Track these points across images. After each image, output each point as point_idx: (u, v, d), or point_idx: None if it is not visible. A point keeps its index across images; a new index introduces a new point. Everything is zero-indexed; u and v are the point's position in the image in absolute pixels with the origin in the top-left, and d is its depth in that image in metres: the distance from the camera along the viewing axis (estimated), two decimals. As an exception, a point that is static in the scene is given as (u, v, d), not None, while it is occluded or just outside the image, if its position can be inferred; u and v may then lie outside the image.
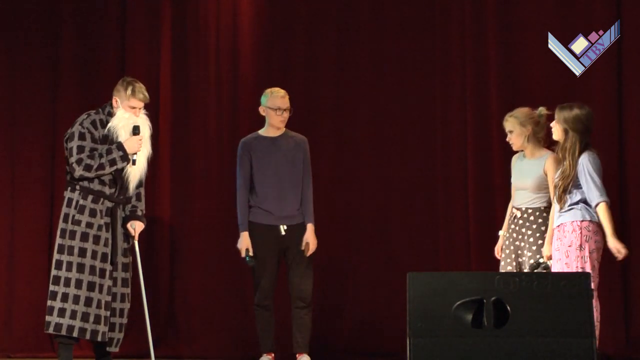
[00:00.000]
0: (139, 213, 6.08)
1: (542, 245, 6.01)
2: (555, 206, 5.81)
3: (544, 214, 6.07)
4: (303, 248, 6.44)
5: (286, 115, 6.50)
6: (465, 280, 4.59)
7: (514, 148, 6.21)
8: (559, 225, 5.78)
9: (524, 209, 6.12)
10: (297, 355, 6.49)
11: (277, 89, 6.54)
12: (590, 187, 5.66)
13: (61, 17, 7.74)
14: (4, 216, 7.64)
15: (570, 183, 5.70)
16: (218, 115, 7.64)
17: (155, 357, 7.37)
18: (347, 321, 7.39)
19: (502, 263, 6.19)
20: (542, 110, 6.16)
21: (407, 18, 7.46)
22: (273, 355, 6.50)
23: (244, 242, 6.43)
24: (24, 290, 7.56)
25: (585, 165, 5.68)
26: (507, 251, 6.16)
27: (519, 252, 6.12)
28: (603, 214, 5.64)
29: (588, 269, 5.59)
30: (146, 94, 6.07)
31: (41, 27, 7.75)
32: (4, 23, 7.75)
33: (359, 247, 7.39)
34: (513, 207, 6.20)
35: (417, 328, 4.44)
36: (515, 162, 6.25)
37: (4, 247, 7.62)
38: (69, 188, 5.96)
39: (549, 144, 6.12)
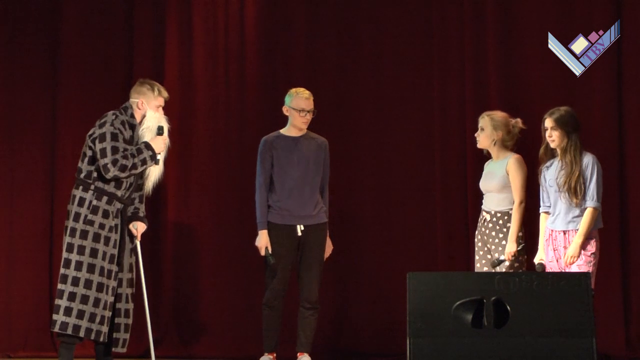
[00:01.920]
0: (141, 214, 6.09)
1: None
2: (562, 206, 5.82)
3: None
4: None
5: (309, 117, 6.49)
6: (465, 280, 4.60)
7: (478, 146, 6.31)
8: (568, 230, 5.80)
9: (493, 212, 6.18)
10: (298, 354, 6.50)
11: (302, 89, 6.53)
12: (592, 188, 5.71)
13: (63, 16, 7.72)
14: (3, 215, 7.63)
15: (577, 180, 5.74)
16: (224, 115, 7.63)
17: (157, 357, 7.38)
18: (347, 321, 7.39)
19: (477, 265, 6.23)
20: (518, 122, 6.23)
21: (407, 18, 7.46)
22: (275, 355, 6.51)
23: (263, 241, 6.43)
24: (24, 289, 7.55)
25: (592, 166, 5.76)
26: (481, 252, 6.22)
27: (491, 254, 6.16)
28: (588, 218, 5.69)
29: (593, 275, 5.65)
30: None
31: (42, 25, 7.74)
32: (3, 21, 7.74)
33: (358, 248, 7.39)
34: (483, 210, 6.25)
35: (417, 328, 4.45)
36: (486, 166, 6.34)
37: (4, 246, 7.61)
38: (81, 187, 5.93)
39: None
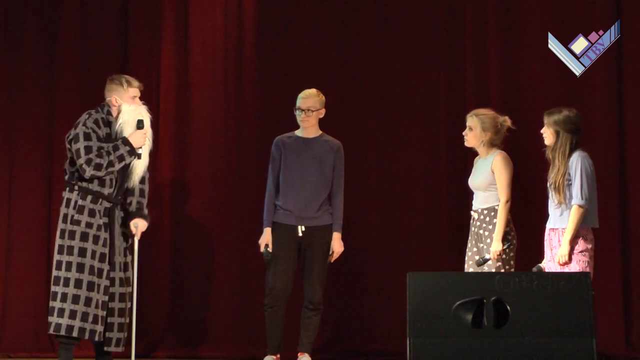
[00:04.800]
0: (145, 212, 6.08)
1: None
2: (552, 205, 5.82)
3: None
4: (330, 256, 6.45)
5: (304, 116, 6.47)
6: (465, 280, 4.60)
7: (466, 144, 6.27)
8: (555, 228, 5.80)
9: (480, 210, 6.18)
10: (298, 354, 6.50)
11: (308, 89, 6.56)
12: (576, 186, 5.70)
13: (60, 16, 7.71)
14: (1, 217, 7.62)
15: (562, 180, 5.73)
16: (222, 115, 7.61)
17: (156, 357, 7.39)
18: (348, 321, 7.38)
19: (466, 265, 6.24)
20: (506, 120, 6.20)
21: (408, 19, 7.45)
22: (278, 356, 6.49)
23: (265, 238, 6.44)
24: (22, 289, 7.54)
25: (577, 163, 5.72)
26: (470, 253, 6.22)
27: (481, 252, 6.16)
28: (573, 216, 5.68)
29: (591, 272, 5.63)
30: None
31: (39, 25, 7.72)
32: (1, 21, 7.74)
33: (360, 247, 7.38)
34: (472, 210, 6.28)
35: (417, 328, 4.45)
36: (475, 163, 6.35)
37: (2, 247, 7.60)
38: (67, 188, 5.96)
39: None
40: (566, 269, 5.67)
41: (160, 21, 7.69)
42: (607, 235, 6.80)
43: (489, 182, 6.15)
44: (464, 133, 6.25)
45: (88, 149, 5.87)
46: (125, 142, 5.93)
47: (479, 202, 6.21)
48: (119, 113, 6.01)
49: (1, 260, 7.58)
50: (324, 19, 7.57)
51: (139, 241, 6.14)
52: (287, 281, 6.43)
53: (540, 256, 5.97)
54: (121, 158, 5.92)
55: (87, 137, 5.90)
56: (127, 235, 6.07)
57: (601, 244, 6.46)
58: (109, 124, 5.99)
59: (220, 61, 7.64)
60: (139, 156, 5.99)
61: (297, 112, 6.50)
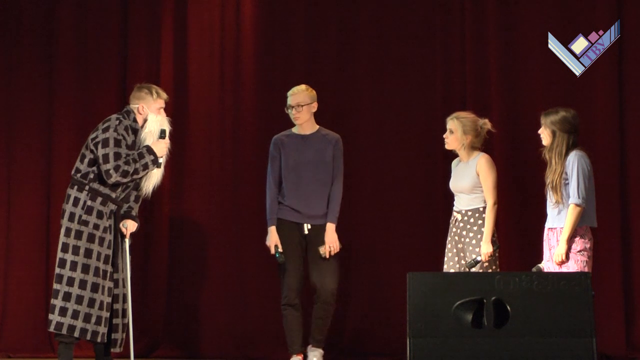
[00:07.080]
0: (134, 214, 6.10)
1: None
2: (550, 205, 5.81)
3: (483, 215, 6.13)
4: (322, 250, 6.41)
5: (295, 112, 6.43)
6: (465, 280, 4.60)
7: (447, 147, 6.29)
8: (553, 228, 5.79)
9: (463, 211, 6.18)
10: (308, 346, 6.47)
11: (295, 86, 6.54)
12: (573, 185, 5.70)
13: (59, 16, 7.72)
14: (0, 215, 7.62)
15: (558, 178, 5.73)
16: (220, 116, 7.62)
17: (155, 357, 7.38)
18: (348, 321, 7.39)
19: (445, 266, 6.23)
20: (486, 123, 6.22)
21: (408, 18, 7.45)
22: (302, 356, 6.46)
23: (272, 238, 6.42)
24: (21, 289, 7.54)
25: (573, 162, 5.72)
26: (450, 254, 6.23)
27: (461, 254, 6.16)
28: (570, 215, 5.67)
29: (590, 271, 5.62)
30: None
31: (38, 24, 7.73)
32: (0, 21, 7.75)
33: (359, 247, 7.39)
34: (454, 211, 6.26)
35: (417, 328, 4.45)
36: (454, 165, 6.33)
37: (1, 247, 7.60)
38: (76, 187, 5.94)
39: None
40: (564, 269, 5.66)
41: (160, 21, 7.69)
42: (607, 235, 6.80)
43: (474, 184, 6.16)
44: (444, 136, 6.27)
45: (117, 156, 5.88)
46: (150, 150, 5.98)
47: (463, 204, 6.21)
48: (144, 122, 6.05)
49: (0, 259, 7.59)
50: (321, 19, 7.57)
51: (135, 242, 6.15)
52: (300, 278, 6.42)
53: (539, 256, 5.97)
54: (145, 166, 5.96)
55: (117, 143, 5.91)
56: (123, 235, 6.08)
57: (601, 244, 6.46)
58: (134, 131, 6.02)
59: (218, 61, 7.65)
60: (159, 165, 6.03)
61: (289, 111, 6.49)
